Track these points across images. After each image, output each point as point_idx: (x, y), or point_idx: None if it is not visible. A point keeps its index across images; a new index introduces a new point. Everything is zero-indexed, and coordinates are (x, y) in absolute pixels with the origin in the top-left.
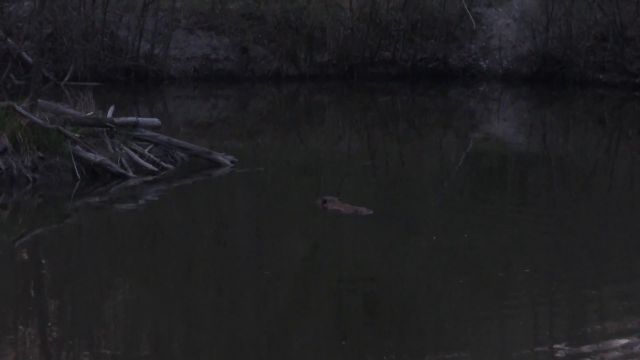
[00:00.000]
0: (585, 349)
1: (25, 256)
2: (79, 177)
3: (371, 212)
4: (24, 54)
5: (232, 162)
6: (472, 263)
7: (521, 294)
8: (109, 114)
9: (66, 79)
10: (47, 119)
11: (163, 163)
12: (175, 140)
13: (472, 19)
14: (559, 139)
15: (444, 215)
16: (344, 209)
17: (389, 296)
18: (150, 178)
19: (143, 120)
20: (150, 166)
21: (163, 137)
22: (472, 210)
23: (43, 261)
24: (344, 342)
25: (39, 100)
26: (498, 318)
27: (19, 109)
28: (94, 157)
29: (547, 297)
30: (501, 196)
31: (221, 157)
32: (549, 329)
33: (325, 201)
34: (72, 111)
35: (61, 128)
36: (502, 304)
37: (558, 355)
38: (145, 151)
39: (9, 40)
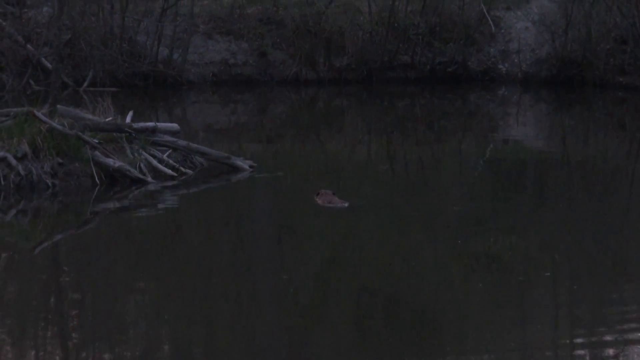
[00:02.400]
0: (607, 353)
1: (45, 262)
2: (98, 182)
3: (346, 204)
4: (43, 59)
5: (251, 167)
6: (492, 267)
7: (542, 297)
8: (128, 119)
9: (85, 84)
10: (66, 124)
11: (182, 168)
12: (194, 145)
13: (490, 22)
14: (579, 142)
15: (464, 219)
16: (321, 201)
17: (410, 301)
18: (169, 183)
19: (162, 125)
20: (169, 171)
21: (182, 142)
22: (492, 214)
23: (63, 267)
24: (364, 347)
25: (58, 106)
26: (518, 322)
27: (39, 114)
28: (113, 162)
29: (568, 301)
30: (521, 200)
31: (240, 162)
32: (570, 334)
33: (318, 194)
34: (91, 117)
35: (80, 134)
36: (522, 308)
37: None
38: (164, 156)
39: (28, 46)
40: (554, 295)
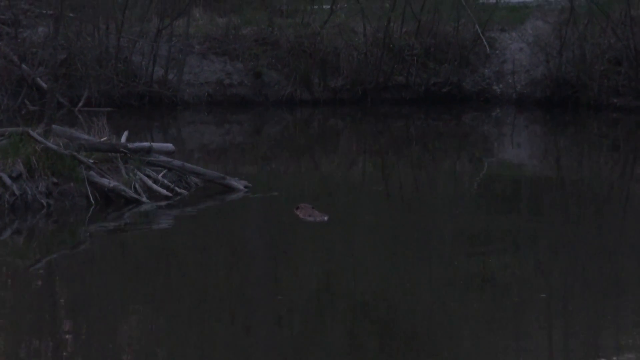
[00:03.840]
0: None
1: (40, 282)
2: (93, 202)
3: (325, 218)
4: (38, 79)
5: (246, 187)
6: (487, 288)
7: (537, 318)
8: (123, 139)
9: (80, 104)
10: (61, 144)
11: (177, 188)
12: (189, 165)
13: (485, 43)
14: (574, 163)
15: (459, 239)
16: (302, 215)
17: (404, 322)
18: (164, 203)
19: (157, 145)
20: (164, 191)
21: (177, 163)
22: (487, 235)
23: (57, 287)
24: None
25: (53, 126)
26: (514, 343)
27: (34, 134)
28: (108, 182)
29: (563, 321)
30: (516, 221)
31: (235, 182)
32: (565, 355)
33: (297, 207)
34: (86, 137)
35: (75, 154)
36: (517, 328)
37: None
38: (159, 176)
39: (23, 66)
40: (549, 317)
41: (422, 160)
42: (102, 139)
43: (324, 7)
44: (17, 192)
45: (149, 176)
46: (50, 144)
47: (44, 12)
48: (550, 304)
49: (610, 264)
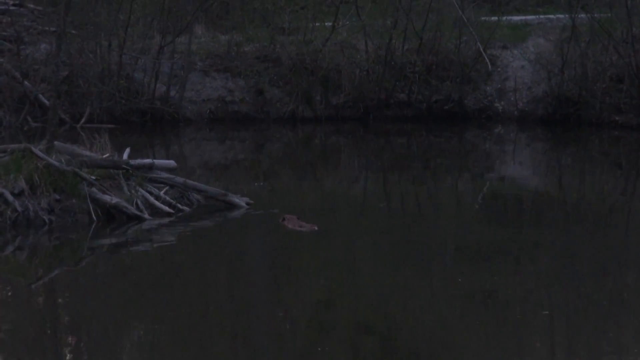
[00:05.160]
0: None
1: (42, 299)
2: (95, 219)
3: (315, 228)
4: (40, 96)
5: (247, 204)
6: (489, 305)
7: (539, 336)
8: (125, 156)
9: (82, 121)
10: (63, 161)
11: (179, 205)
12: (191, 182)
13: (487, 61)
14: (575, 180)
15: (461, 256)
16: (291, 225)
17: (406, 339)
18: (166, 220)
19: (159, 162)
20: (166, 208)
21: (179, 179)
22: (489, 252)
23: (59, 303)
24: None
25: (56, 143)
26: None
27: (36, 151)
28: (110, 199)
29: (565, 339)
30: (518, 238)
31: (237, 199)
32: None
33: (284, 219)
34: (88, 153)
35: (77, 170)
36: (519, 346)
37: None
38: (161, 193)
39: (26, 82)
40: (551, 334)
41: (423, 177)
42: (104, 156)
43: (326, 24)
44: (19, 209)
45: (150, 193)
46: (52, 161)
47: (47, 29)
48: (553, 321)
49: (613, 281)
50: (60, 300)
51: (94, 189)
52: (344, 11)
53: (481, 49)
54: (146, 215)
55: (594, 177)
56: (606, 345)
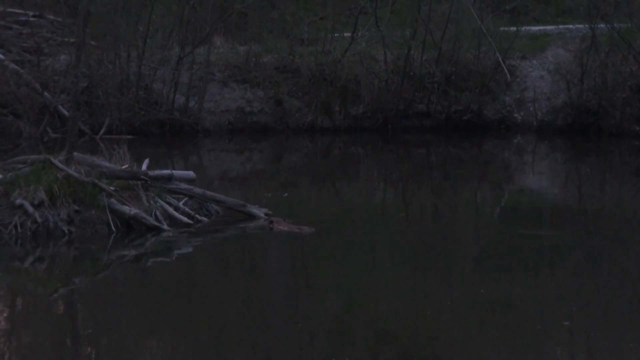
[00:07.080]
0: None
1: (62, 309)
2: (114, 230)
3: (313, 230)
4: (60, 107)
5: (266, 214)
6: (509, 315)
7: (560, 347)
8: (144, 167)
9: (101, 132)
10: (82, 172)
11: (198, 216)
12: (209, 193)
13: (506, 71)
14: (595, 190)
15: (481, 266)
16: (288, 228)
17: (425, 349)
18: (184, 231)
19: (178, 173)
20: (184, 219)
21: (198, 190)
22: (508, 263)
23: (79, 315)
24: None
25: (75, 154)
26: None
27: (55, 162)
28: (129, 210)
29: (586, 351)
30: (537, 248)
31: (255, 210)
32: None
33: (272, 222)
34: (107, 164)
35: (96, 181)
36: (539, 357)
37: None
38: (180, 204)
39: (45, 93)
40: (571, 344)
41: (443, 188)
42: (123, 167)
43: (345, 35)
44: (39, 220)
45: (169, 204)
46: (71, 172)
47: (66, 40)
48: (573, 332)
49: (634, 291)
50: (79, 311)
51: (113, 200)
52: (362, 22)
53: (500, 60)
54: (165, 226)
55: (614, 187)
56: (627, 357)
